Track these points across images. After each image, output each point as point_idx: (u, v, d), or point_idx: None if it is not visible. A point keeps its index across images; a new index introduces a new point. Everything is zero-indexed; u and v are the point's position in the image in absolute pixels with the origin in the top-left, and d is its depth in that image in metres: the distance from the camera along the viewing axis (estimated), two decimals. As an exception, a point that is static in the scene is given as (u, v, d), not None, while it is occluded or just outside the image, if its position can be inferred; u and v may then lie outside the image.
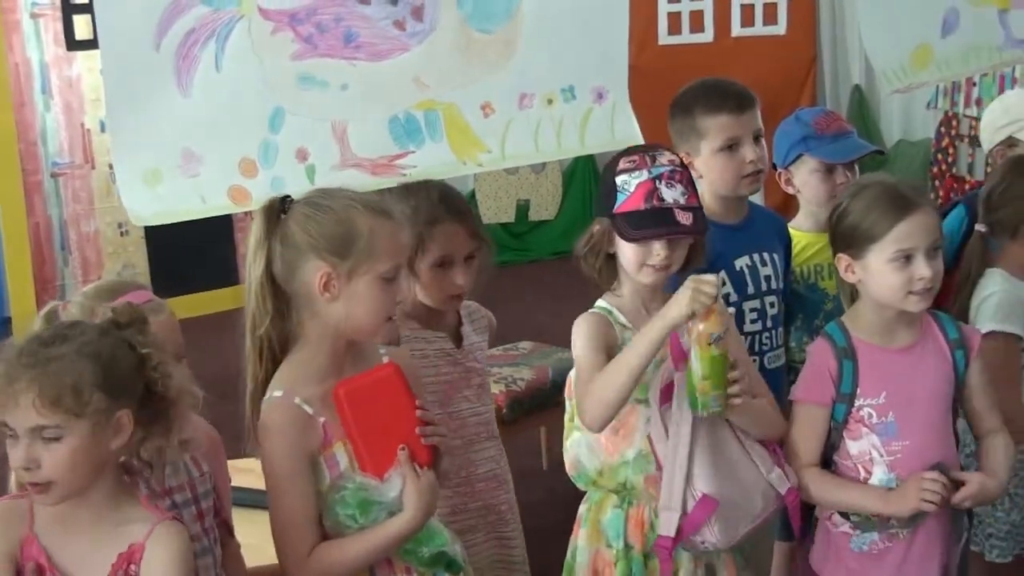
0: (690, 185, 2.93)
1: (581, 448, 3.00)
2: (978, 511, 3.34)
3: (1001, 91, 7.85)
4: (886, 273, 2.96)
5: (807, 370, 3.10)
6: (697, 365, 2.75)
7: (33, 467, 2.23)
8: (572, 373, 3.01)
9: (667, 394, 2.87)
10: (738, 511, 2.87)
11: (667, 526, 2.84)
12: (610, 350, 2.90)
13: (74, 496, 2.28)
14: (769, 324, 3.54)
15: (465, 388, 3.42)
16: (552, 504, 5.21)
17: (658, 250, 2.88)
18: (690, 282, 2.74)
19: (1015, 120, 4.22)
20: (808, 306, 3.79)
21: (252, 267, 2.64)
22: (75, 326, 2.36)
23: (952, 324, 3.10)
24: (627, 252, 2.92)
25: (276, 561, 2.70)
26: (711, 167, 3.47)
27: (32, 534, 2.29)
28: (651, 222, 2.86)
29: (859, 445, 3.01)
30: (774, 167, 3.86)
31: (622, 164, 2.93)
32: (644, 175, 2.89)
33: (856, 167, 3.80)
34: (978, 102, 8.24)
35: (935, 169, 8.73)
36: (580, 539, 3.06)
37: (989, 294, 3.43)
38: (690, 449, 2.82)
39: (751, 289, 3.47)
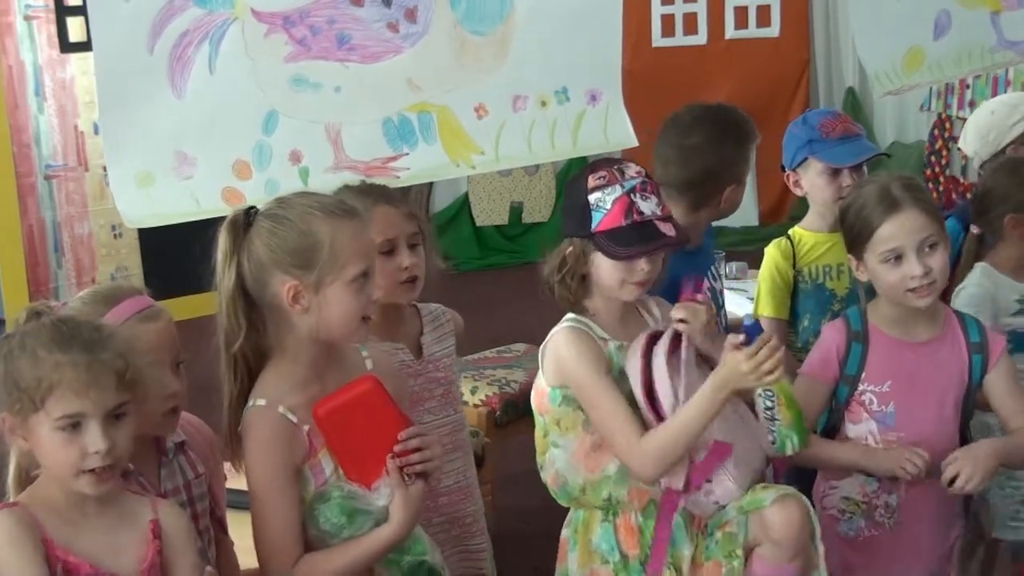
0: (660, 195, 2.91)
1: (560, 464, 2.96)
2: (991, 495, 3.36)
3: (995, 93, 7.86)
4: (881, 272, 3.00)
5: (817, 346, 3.17)
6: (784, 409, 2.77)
7: (112, 448, 2.24)
8: (543, 385, 2.97)
9: (674, 347, 2.83)
10: (746, 460, 2.85)
11: (676, 479, 2.81)
12: (607, 368, 2.87)
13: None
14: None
15: (428, 400, 3.34)
16: (543, 507, 5.19)
17: (643, 266, 2.85)
18: (759, 347, 2.71)
19: None
20: (815, 307, 3.80)
21: (222, 282, 2.61)
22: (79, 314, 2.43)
23: (977, 327, 3.12)
24: (607, 271, 2.88)
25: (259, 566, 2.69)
26: (730, 199, 3.53)
27: (47, 538, 2.28)
28: (636, 238, 2.82)
29: (857, 429, 3.06)
30: (782, 169, 3.88)
31: (592, 182, 2.88)
32: (618, 190, 2.85)
33: (864, 169, 3.80)
34: (971, 104, 8.24)
35: (929, 171, 8.73)
36: (571, 563, 2.99)
37: (964, 287, 3.46)
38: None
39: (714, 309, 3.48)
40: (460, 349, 3.58)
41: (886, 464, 2.99)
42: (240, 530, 2.93)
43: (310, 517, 2.56)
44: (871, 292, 3.17)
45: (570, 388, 2.90)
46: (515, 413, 4.86)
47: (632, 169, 2.90)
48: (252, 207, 2.65)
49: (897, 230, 2.98)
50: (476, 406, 4.77)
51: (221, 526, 2.77)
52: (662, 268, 2.93)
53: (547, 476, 2.99)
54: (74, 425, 2.23)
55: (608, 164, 2.91)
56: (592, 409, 2.87)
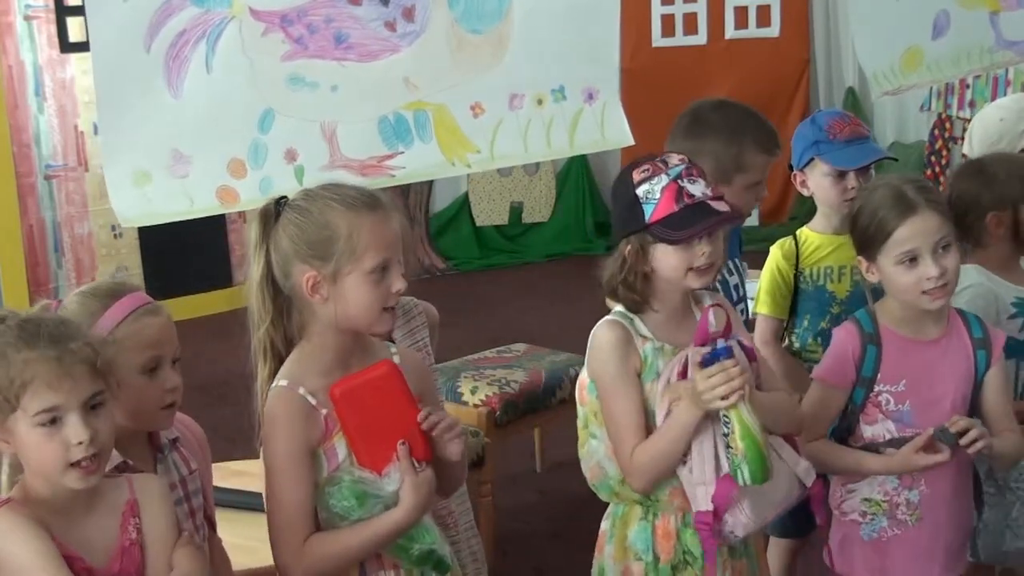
0: (707, 177, 2.88)
1: (600, 456, 2.94)
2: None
3: (995, 93, 7.87)
4: (896, 275, 3.01)
5: (831, 351, 3.15)
6: (756, 425, 2.72)
7: (94, 438, 2.24)
8: (584, 376, 2.95)
9: (682, 378, 2.84)
10: (765, 492, 2.82)
11: (704, 500, 2.79)
12: (635, 370, 2.85)
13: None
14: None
15: None
16: (543, 507, 5.22)
17: (702, 248, 2.80)
18: (719, 371, 2.71)
19: None
20: (815, 308, 3.79)
21: (251, 269, 2.66)
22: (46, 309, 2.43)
23: (978, 323, 3.14)
24: (669, 261, 2.83)
25: (270, 563, 2.69)
26: (734, 198, 3.41)
27: (47, 531, 2.28)
28: (691, 219, 2.78)
29: (875, 430, 3.07)
30: (789, 168, 3.87)
31: (637, 176, 2.85)
32: (665, 179, 2.81)
33: (871, 171, 3.80)
34: (971, 104, 8.25)
35: (929, 171, 8.74)
36: (607, 557, 2.97)
37: (963, 288, 3.45)
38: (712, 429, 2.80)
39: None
40: (451, 346, 3.55)
41: (905, 468, 3.01)
42: (240, 529, 2.93)
43: (321, 500, 2.59)
44: (876, 294, 3.17)
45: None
46: (515, 413, 4.86)
47: (675, 158, 2.87)
48: (283, 197, 2.70)
49: (914, 232, 2.99)
50: (476, 406, 4.77)
51: (210, 524, 2.78)
52: (724, 249, 2.92)
53: (587, 468, 2.98)
54: (53, 420, 2.22)
55: (649, 158, 2.89)
56: (604, 406, 2.88)
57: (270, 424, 2.60)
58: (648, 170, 2.85)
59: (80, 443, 2.22)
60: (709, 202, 2.81)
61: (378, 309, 2.62)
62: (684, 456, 2.81)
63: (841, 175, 3.75)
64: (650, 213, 2.82)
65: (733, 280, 3.54)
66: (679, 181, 2.82)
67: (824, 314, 3.77)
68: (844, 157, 3.74)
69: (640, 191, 2.84)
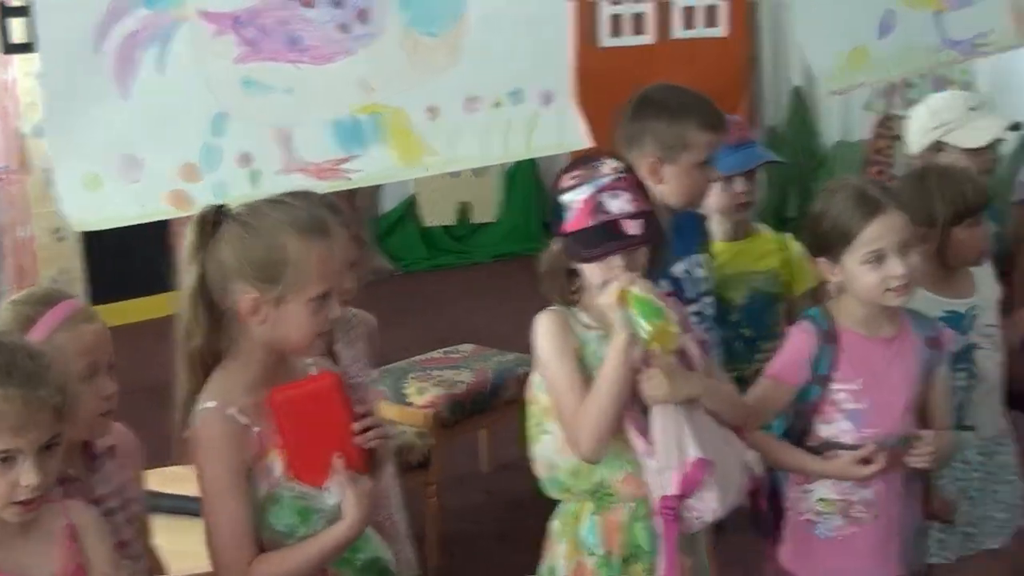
0: (637, 190, 2.86)
1: (550, 451, 2.94)
2: None
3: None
4: (861, 274, 3.04)
5: (785, 349, 3.18)
6: (638, 288, 2.74)
7: (43, 481, 2.20)
8: (535, 377, 2.96)
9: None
10: (728, 479, 2.84)
11: (667, 484, 2.79)
12: (575, 352, 2.86)
13: None
14: (709, 325, 3.55)
15: None
16: (490, 508, 5.23)
17: (617, 262, 2.81)
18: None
19: (943, 124, 4.23)
20: (713, 317, 3.80)
21: (185, 278, 2.60)
22: (8, 333, 2.36)
23: (928, 323, 3.19)
24: (588, 270, 2.85)
25: (209, 568, 2.67)
26: (683, 178, 3.44)
27: None
28: (600, 238, 2.79)
29: (830, 429, 3.10)
30: None
31: (565, 182, 2.86)
32: (586, 190, 2.82)
33: (755, 176, 3.86)
34: (913, 103, 8.32)
35: (872, 170, 8.80)
36: (558, 556, 2.97)
37: None
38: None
39: (690, 294, 3.47)
40: (398, 347, 3.53)
41: (848, 474, 3.04)
42: (183, 536, 2.88)
43: (262, 520, 2.54)
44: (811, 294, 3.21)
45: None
46: (462, 413, 4.86)
47: (607, 166, 2.86)
48: (222, 205, 2.63)
49: (881, 232, 3.02)
50: (422, 407, 4.76)
51: (145, 530, 2.76)
52: (663, 250, 2.94)
53: (539, 464, 2.98)
54: (5, 459, 2.19)
55: (584, 162, 2.89)
56: (550, 389, 2.89)
57: (201, 449, 2.53)
58: (576, 177, 2.86)
59: (28, 486, 2.19)
60: (623, 221, 2.81)
61: (314, 335, 2.59)
62: (648, 444, 2.81)
63: (728, 180, 3.79)
64: (567, 222, 2.84)
65: (698, 273, 3.55)
66: (599, 194, 2.82)
67: (723, 323, 3.78)
68: (730, 162, 3.78)
69: (564, 198, 2.86)
